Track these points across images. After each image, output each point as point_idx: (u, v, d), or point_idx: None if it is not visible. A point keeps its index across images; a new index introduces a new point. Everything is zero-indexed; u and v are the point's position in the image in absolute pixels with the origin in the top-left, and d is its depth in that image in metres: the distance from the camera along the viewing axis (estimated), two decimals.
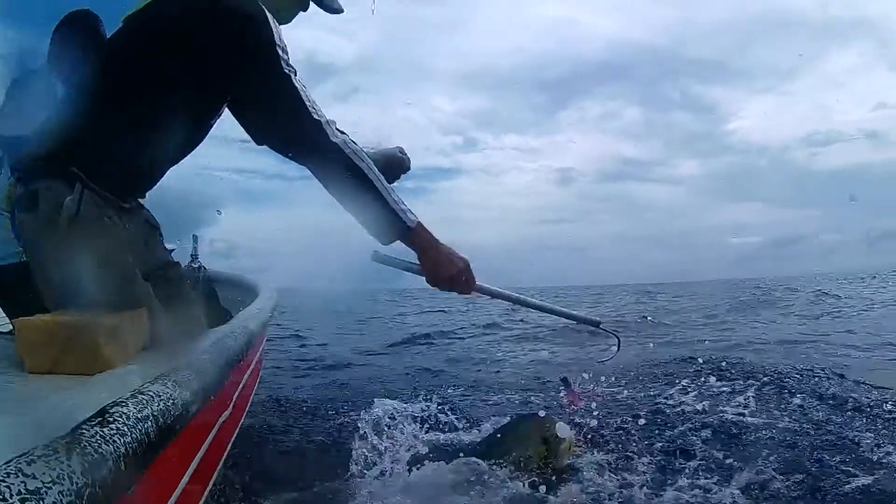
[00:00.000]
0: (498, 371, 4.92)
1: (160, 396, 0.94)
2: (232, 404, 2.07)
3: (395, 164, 1.99)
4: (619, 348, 2.16)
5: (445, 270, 1.61)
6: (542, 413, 2.48)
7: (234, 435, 2.23)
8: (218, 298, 3.13)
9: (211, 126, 1.70)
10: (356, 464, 2.39)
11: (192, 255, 3.40)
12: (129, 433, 0.77)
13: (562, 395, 2.85)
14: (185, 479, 1.37)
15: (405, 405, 3.15)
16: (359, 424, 2.80)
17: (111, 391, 0.89)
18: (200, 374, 1.18)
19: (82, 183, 1.43)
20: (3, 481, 0.53)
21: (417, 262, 1.63)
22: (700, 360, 3.98)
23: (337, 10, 1.80)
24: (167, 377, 1.04)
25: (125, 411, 0.80)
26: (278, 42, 1.46)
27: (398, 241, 1.60)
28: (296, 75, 1.48)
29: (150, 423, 0.84)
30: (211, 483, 1.85)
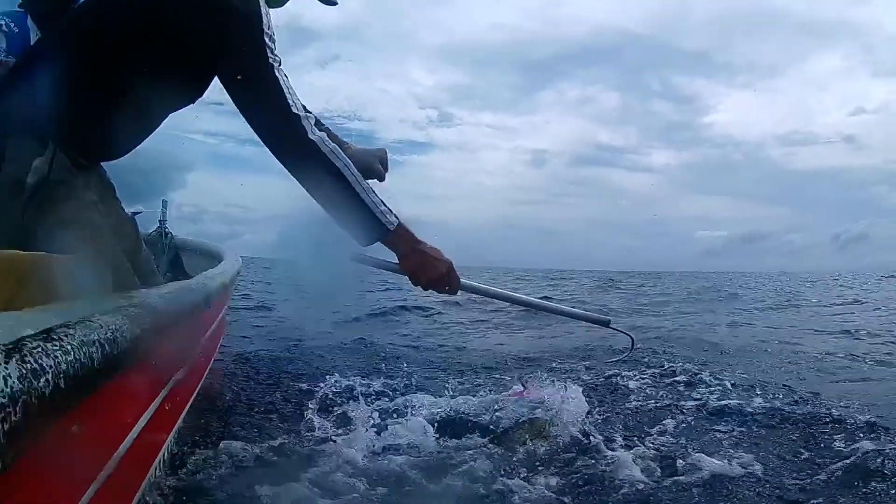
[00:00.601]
0: (463, 347, 4.93)
1: (111, 326, 0.92)
2: (191, 362, 2.06)
3: (369, 172, 1.94)
4: (632, 347, 2.09)
5: (427, 273, 1.58)
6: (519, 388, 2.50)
7: (194, 394, 2.22)
8: (182, 265, 3.10)
9: (192, 102, 1.67)
10: (311, 431, 2.40)
11: (160, 221, 3.36)
12: (73, 352, 0.75)
13: (517, 388, 2.79)
14: (141, 422, 1.36)
15: (364, 380, 3.17)
16: (318, 395, 2.82)
17: (60, 317, 0.88)
18: (152, 312, 1.17)
19: (56, 144, 1.41)
20: None
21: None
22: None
23: (332, 3, 1.79)
24: (119, 310, 1.02)
25: (71, 332, 0.79)
26: (267, 31, 1.44)
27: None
28: (280, 65, 1.46)
29: (95, 348, 0.83)
30: (171, 436, 1.85)
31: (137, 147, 1.68)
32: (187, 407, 2.09)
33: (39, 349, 0.68)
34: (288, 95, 1.44)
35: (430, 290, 1.62)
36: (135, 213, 1.99)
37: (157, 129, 1.69)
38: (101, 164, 1.68)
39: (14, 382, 0.60)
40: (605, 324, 1.90)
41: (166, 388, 1.67)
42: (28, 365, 0.64)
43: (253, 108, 1.47)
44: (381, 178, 1.98)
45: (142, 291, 1.41)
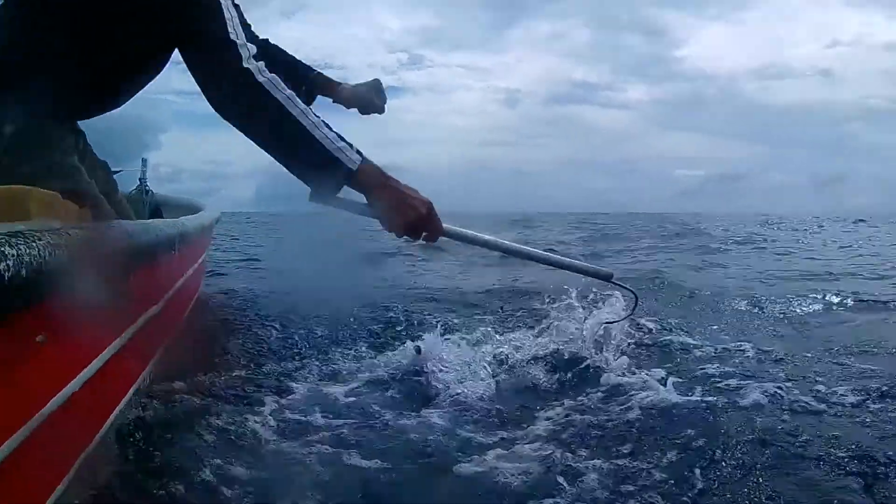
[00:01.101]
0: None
1: (81, 235, 0.95)
2: (169, 298, 2.08)
3: (369, 106, 1.94)
4: (636, 305, 1.95)
5: (402, 216, 1.35)
6: None
7: (168, 336, 2.25)
8: (161, 215, 3.12)
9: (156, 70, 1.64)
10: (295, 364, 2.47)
11: (140, 180, 3.35)
12: (37, 250, 0.78)
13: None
14: (111, 349, 1.40)
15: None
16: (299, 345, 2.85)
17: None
18: (125, 233, 1.19)
19: (33, 95, 1.40)
20: None
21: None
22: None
23: None
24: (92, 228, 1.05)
25: (39, 235, 0.82)
26: None
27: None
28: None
29: (61, 251, 0.86)
30: (147, 370, 1.89)
31: (111, 111, 1.68)
32: (164, 344, 2.13)
33: (3, 240, 0.71)
34: (229, 23, 1.32)
35: (406, 237, 1.40)
36: (114, 172, 2.00)
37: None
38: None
39: None
40: (607, 278, 1.77)
41: (140, 320, 1.70)
42: None
43: (191, 45, 1.38)
44: (381, 111, 1.92)
45: (120, 221, 1.44)
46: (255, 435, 1.76)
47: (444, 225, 1.42)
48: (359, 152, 1.34)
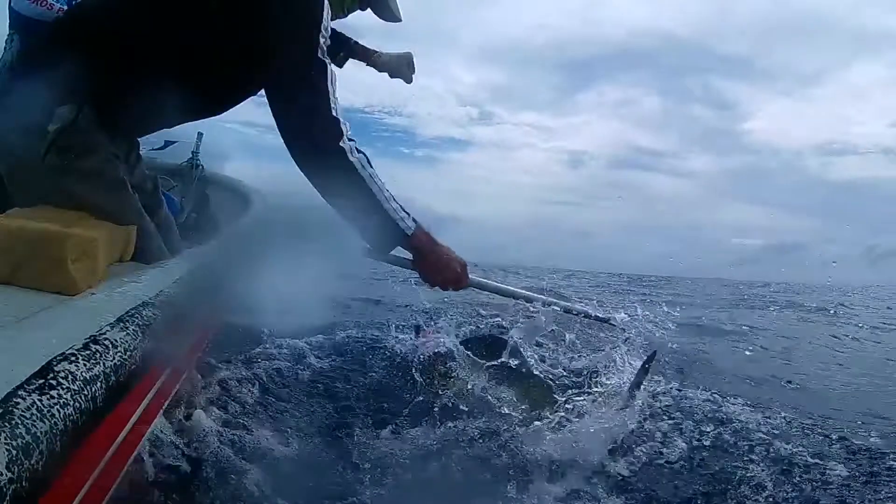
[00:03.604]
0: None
1: (116, 346, 0.85)
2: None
3: (398, 73, 2.03)
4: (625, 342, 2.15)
5: (441, 275, 1.61)
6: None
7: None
8: (209, 205, 3.04)
9: (239, 97, 1.59)
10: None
11: (192, 152, 3.30)
12: (72, 402, 0.69)
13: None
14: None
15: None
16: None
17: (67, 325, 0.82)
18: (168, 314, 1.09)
19: (85, 97, 1.35)
20: None
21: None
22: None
23: (394, 20, 1.73)
24: (128, 319, 0.94)
25: (72, 370, 0.72)
26: (324, 23, 1.38)
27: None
28: (330, 65, 1.41)
29: (100, 383, 0.76)
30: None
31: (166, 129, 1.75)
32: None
33: (34, 410, 0.62)
34: (331, 96, 1.39)
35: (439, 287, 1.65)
36: (169, 143, 1.93)
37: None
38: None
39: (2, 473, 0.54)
40: (606, 321, 2.05)
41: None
42: (20, 441, 0.57)
43: (296, 104, 1.39)
44: (409, 81, 2.05)
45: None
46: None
47: (471, 276, 1.66)
48: (414, 220, 1.55)
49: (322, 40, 1.37)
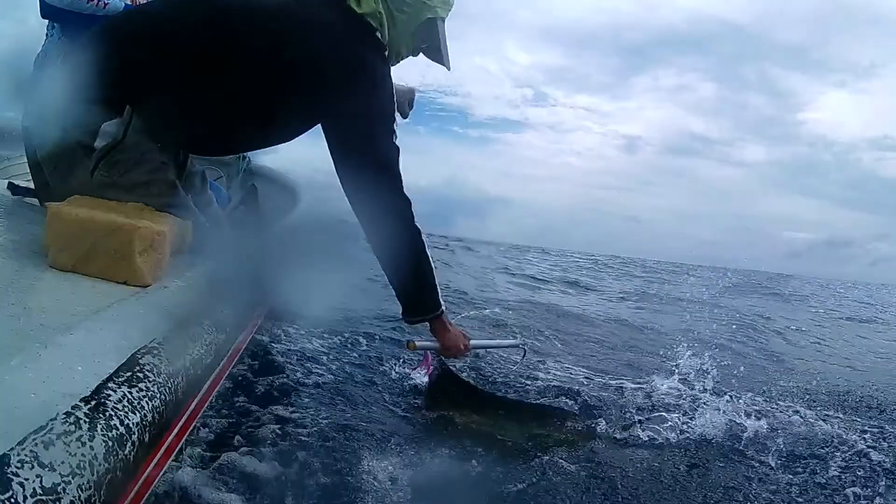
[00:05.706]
0: None
1: (195, 341, 0.85)
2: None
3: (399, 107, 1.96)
4: (523, 357, 2.61)
5: (455, 350, 1.92)
6: None
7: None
8: (256, 198, 3.04)
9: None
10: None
11: None
12: (158, 394, 0.68)
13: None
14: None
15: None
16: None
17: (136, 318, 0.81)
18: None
19: (133, 109, 1.35)
20: (15, 477, 0.44)
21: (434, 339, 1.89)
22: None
23: (446, 66, 1.77)
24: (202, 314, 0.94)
25: (156, 363, 0.71)
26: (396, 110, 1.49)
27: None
28: (395, 137, 1.51)
29: (180, 378, 0.76)
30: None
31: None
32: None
33: (125, 402, 0.61)
34: (401, 179, 1.52)
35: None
36: None
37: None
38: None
39: (100, 465, 0.53)
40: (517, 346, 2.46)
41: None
42: (114, 434, 0.57)
43: (370, 199, 1.50)
44: (405, 116, 2.09)
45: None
46: None
47: (471, 342, 1.98)
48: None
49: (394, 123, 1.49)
